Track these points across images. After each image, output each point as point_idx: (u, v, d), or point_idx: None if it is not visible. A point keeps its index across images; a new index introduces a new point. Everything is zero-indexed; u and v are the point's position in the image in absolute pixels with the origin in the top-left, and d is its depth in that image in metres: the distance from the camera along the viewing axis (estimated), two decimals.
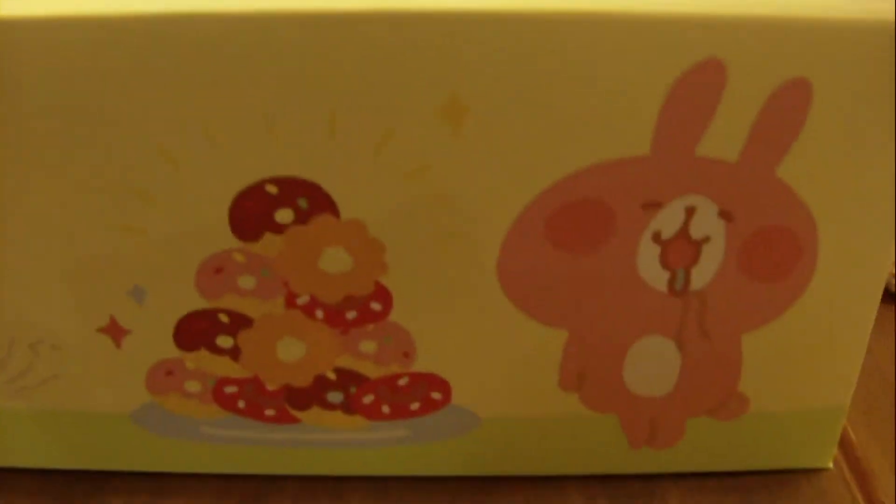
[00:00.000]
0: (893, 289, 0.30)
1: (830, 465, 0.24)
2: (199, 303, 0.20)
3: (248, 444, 0.22)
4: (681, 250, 0.20)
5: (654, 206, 0.20)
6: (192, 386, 0.21)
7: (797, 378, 0.22)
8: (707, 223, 0.20)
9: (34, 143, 0.18)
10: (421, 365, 0.21)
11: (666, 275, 0.20)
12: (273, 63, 0.17)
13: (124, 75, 0.17)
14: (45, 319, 0.20)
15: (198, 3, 0.17)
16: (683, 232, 0.20)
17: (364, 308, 0.20)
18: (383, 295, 0.20)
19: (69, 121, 0.18)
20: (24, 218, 0.19)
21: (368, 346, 0.21)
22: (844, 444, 0.25)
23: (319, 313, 0.20)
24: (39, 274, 0.20)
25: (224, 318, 0.20)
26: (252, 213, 0.19)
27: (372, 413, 0.22)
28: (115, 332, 0.21)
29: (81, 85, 0.17)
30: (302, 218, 0.19)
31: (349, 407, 0.22)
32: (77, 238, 0.19)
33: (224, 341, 0.21)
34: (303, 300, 0.20)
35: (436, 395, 0.22)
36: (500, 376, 0.22)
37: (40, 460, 0.23)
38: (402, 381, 0.22)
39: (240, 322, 0.20)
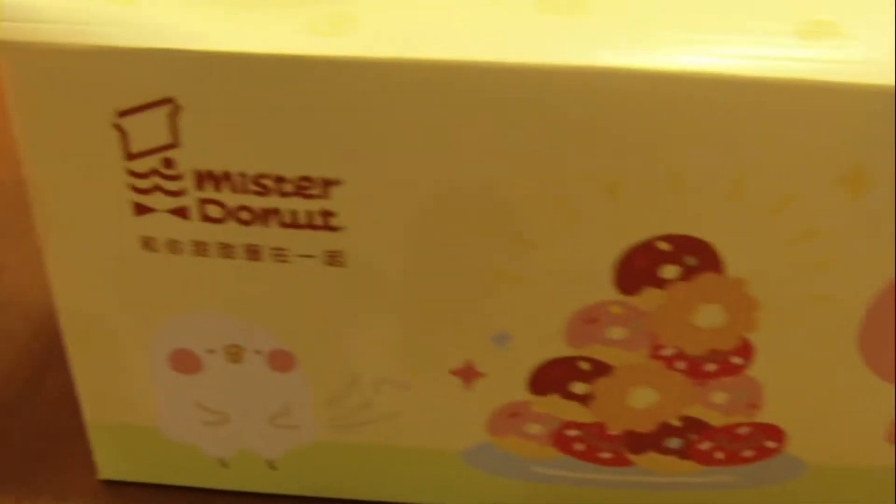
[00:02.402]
0: None
1: None
2: (563, 350, 0.20)
3: (576, 485, 0.23)
4: None
5: None
6: (534, 428, 0.22)
7: None
8: None
9: (428, 191, 0.18)
10: (764, 416, 0.21)
11: None
12: (683, 122, 0.17)
13: (526, 125, 0.17)
14: (398, 359, 0.21)
15: (614, 58, 0.17)
16: None
17: (725, 361, 0.20)
18: (746, 350, 0.20)
19: (477, 165, 0.18)
20: (399, 266, 0.19)
21: (719, 398, 0.21)
22: None
23: (680, 365, 0.21)
24: (400, 316, 0.20)
25: (584, 366, 0.21)
26: (638, 267, 0.19)
27: (705, 459, 0.22)
28: (467, 374, 0.21)
29: (486, 133, 0.17)
30: (687, 275, 0.19)
31: (685, 453, 0.22)
32: (452, 284, 0.19)
33: (578, 388, 0.21)
34: (667, 352, 0.20)
35: (770, 444, 0.22)
36: (835, 427, 0.22)
37: (357, 492, 0.23)
38: (743, 431, 0.22)
39: (600, 370, 0.21)
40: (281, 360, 0.21)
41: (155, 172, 0.19)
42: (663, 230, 0.19)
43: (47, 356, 0.28)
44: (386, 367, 0.21)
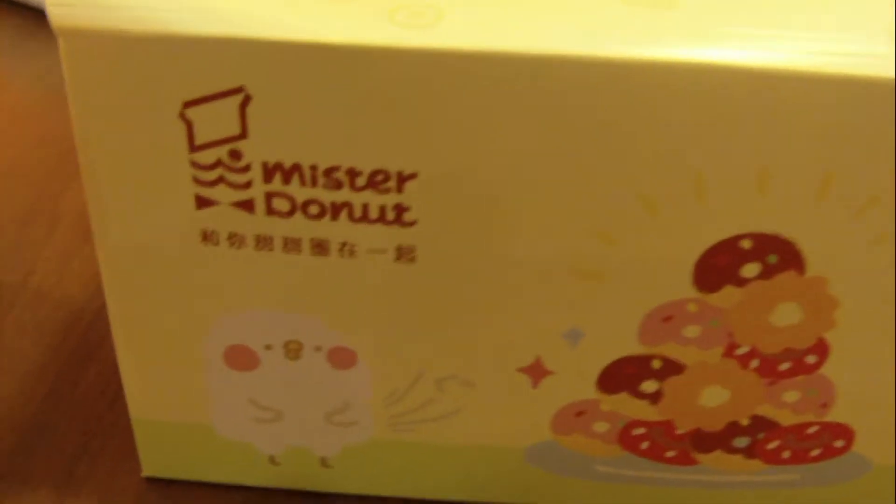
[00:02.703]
0: None
1: None
2: (635, 348, 0.20)
3: (638, 483, 0.22)
4: None
5: None
6: (600, 427, 0.21)
7: None
8: None
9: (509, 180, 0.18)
10: (835, 415, 0.21)
11: None
12: (770, 117, 0.17)
13: (612, 119, 0.17)
14: (464, 356, 0.20)
15: (703, 53, 0.17)
16: None
17: (799, 360, 0.20)
18: (822, 349, 0.20)
19: (558, 159, 0.17)
20: (471, 261, 0.18)
21: (791, 396, 0.21)
22: None
23: (754, 363, 0.20)
24: (469, 312, 0.19)
25: (656, 364, 0.20)
26: (720, 266, 0.19)
27: (772, 458, 0.22)
28: (536, 372, 0.20)
29: (569, 127, 0.17)
30: (767, 273, 0.19)
31: (751, 452, 0.22)
32: (526, 280, 0.19)
33: (649, 386, 0.20)
34: (742, 350, 0.20)
35: (838, 443, 0.22)
36: None
37: (412, 491, 0.23)
38: (812, 430, 0.21)
39: (671, 369, 0.20)
40: (342, 357, 0.21)
41: (220, 164, 0.18)
42: (747, 228, 0.18)
43: (82, 349, 0.27)
44: (451, 365, 0.20)
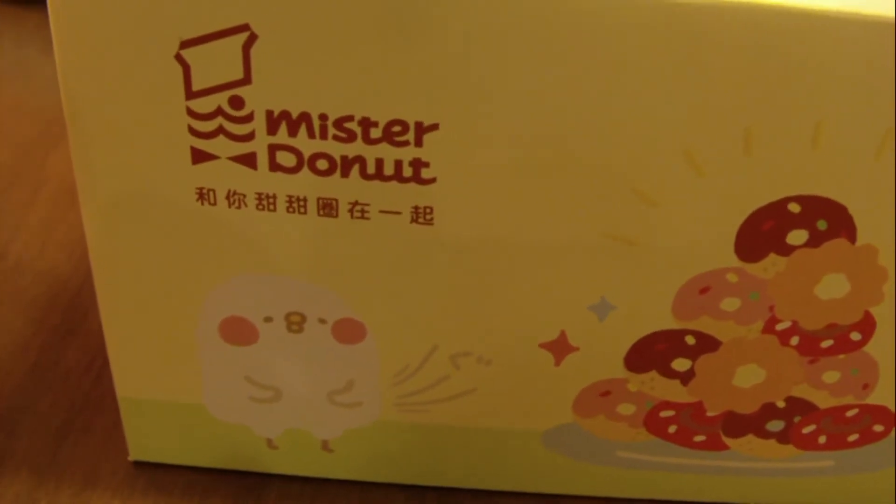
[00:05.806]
0: None
1: None
2: (668, 323, 0.18)
3: (663, 470, 0.21)
4: None
5: None
6: (626, 409, 0.20)
7: None
8: None
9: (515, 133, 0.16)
10: (876, 397, 0.20)
11: None
12: (828, 65, 0.15)
13: (654, 63, 0.15)
14: (482, 330, 0.19)
15: None
16: None
17: (842, 337, 0.19)
18: (867, 325, 0.19)
19: (595, 110, 0.16)
20: (494, 225, 0.17)
21: (831, 377, 0.19)
22: None
23: (794, 340, 0.19)
24: (490, 281, 0.18)
25: (690, 340, 0.19)
26: (764, 231, 0.17)
27: (806, 443, 0.20)
28: (559, 348, 0.19)
29: (607, 73, 0.15)
30: (815, 241, 0.17)
31: (785, 436, 0.20)
32: (553, 246, 0.17)
33: (680, 364, 0.19)
34: (782, 326, 0.19)
35: (878, 428, 0.20)
36: None
37: (420, 477, 0.21)
38: (851, 413, 0.20)
39: (706, 345, 0.19)
40: (348, 331, 0.19)
41: (220, 113, 0.17)
42: (797, 190, 0.17)
43: (66, 322, 0.25)
44: (468, 340, 0.19)
